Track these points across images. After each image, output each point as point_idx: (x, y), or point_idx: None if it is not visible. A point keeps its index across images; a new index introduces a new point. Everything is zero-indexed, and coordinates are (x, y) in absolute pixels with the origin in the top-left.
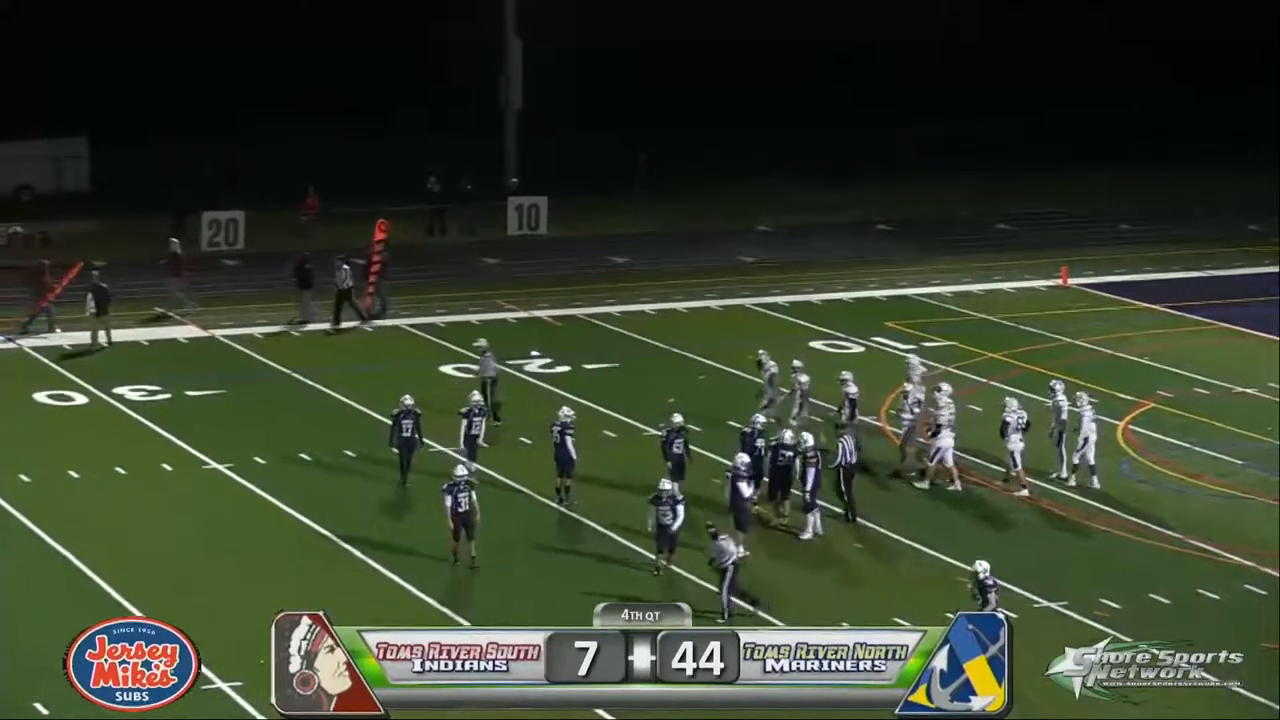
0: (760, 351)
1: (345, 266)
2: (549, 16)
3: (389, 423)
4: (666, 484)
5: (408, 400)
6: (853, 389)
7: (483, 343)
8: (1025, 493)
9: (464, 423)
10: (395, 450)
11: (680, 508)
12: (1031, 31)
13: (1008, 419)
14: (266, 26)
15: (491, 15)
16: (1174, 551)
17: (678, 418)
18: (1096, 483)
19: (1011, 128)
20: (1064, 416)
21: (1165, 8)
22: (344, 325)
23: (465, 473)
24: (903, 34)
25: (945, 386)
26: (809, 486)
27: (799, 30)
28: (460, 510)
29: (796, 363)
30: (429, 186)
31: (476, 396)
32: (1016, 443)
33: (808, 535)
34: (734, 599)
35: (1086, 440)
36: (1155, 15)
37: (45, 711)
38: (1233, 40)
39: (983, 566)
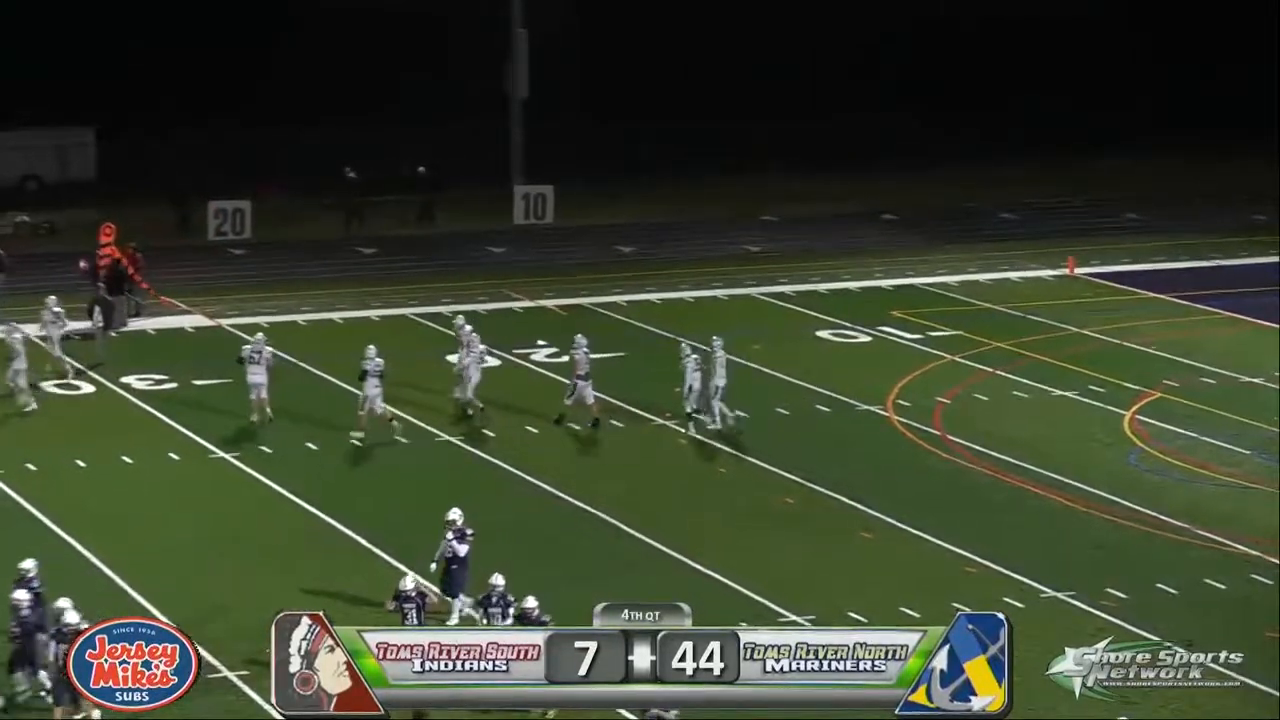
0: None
1: None
2: (555, 5)
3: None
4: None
5: None
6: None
7: None
8: (361, 435)
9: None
10: None
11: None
12: (1036, 18)
13: (365, 366)
14: (272, 15)
15: (497, 4)
16: (1181, 541)
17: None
18: (722, 421)
19: (1016, 116)
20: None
21: None
22: None
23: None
24: (907, 23)
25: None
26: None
27: (805, 19)
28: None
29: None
30: (419, 173)
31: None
32: (372, 388)
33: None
34: None
35: (719, 389)
36: (1162, 2)
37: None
38: (1238, 28)
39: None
